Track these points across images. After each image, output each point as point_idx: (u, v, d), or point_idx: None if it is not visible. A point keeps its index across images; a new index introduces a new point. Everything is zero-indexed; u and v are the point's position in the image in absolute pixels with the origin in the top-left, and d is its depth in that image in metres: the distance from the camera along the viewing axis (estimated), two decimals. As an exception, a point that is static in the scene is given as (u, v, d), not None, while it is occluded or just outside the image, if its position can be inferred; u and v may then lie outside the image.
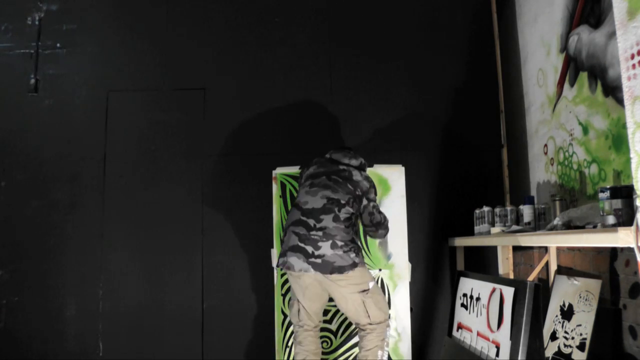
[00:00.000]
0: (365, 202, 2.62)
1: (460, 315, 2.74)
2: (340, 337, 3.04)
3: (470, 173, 3.25)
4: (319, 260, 2.39)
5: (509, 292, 2.21)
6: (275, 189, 3.14)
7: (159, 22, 3.42)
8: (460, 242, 3.03)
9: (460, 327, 2.71)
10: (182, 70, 3.38)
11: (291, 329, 3.04)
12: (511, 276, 3.05)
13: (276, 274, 3.08)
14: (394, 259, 3.06)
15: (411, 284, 3.07)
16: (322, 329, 3.04)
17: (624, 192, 1.60)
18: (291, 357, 3.01)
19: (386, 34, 3.38)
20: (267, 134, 3.31)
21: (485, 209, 2.79)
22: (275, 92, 3.34)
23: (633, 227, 1.41)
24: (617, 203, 1.60)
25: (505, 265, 3.08)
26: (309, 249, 2.41)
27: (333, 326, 3.04)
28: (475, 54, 3.35)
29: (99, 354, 3.13)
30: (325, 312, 3.06)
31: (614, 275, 2.17)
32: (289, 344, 3.02)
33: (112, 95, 3.35)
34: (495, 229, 2.64)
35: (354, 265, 2.43)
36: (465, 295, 2.72)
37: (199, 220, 3.23)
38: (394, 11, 3.40)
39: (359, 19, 3.39)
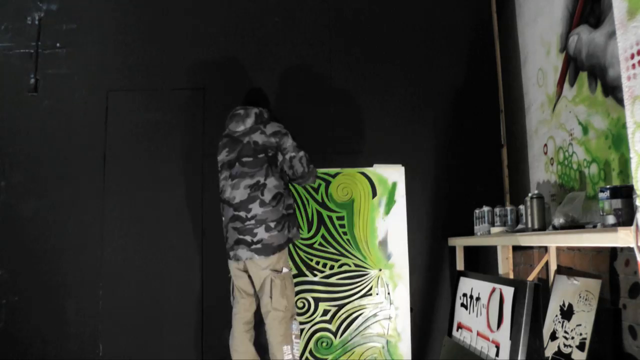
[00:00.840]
0: (280, 157, 2.73)
1: (460, 315, 2.74)
2: (340, 337, 3.04)
3: (470, 173, 3.25)
4: (259, 246, 2.60)
5: (508, 291, 2.21)
6: None
7: (159, 22, 3.42)
8: (460, 242, 3.03)
9: (460, 327, 2.71)
10: (182, 70, 3.38)
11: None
12: (511, 276, 3.05)
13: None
14: (393, 259, 3.06)
15: (411, 284, 3.08)
16: (322, 330, 3.03)
17: (623, 192, 1.60)
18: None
19: (386, 34, 3.38)
20: (267, 134, 3.30)
21: (485, 209, 2.79)
22: (275, 92, 3.34)
23: (633, 227, 1.41)
24: (617, 203, 1.60)
25: (505, 265, 3.07)
26: (248, 238, 2.61)
27: (332, 326, 3.04)
28: (475, 54, 3.35)
29: (99, 354, 3.13)
30: (325, 312, 3.06)
31: (614, 275, 2.17)
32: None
33: (112, 95, 3.35)
34: (495, 229, 2.64)
35: (288, 241, 2.68)
36: (465, 295, 2.72)
37: (199, 220, 3.23)
38: (394, 11, 3.39)
39: (359, 19, 3.39)
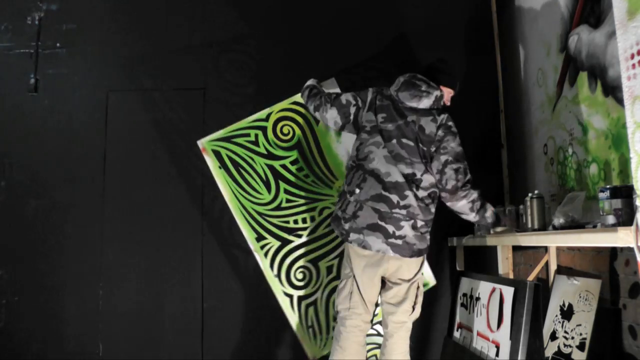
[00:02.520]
0: (440, 158, 2.28)
1: (460, 315, 2.74)
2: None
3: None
4: (399, 242, 2.21)
5: (508, 291, 2.21)
6: (211, 161, 2.92)
7: (159, 22, 3.42)
8: (460, 242, 3.03)
9: (460, 327, 2.71)
10: (182, 70, 3.38)
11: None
12: (511, 276, 3.05)
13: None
14: None
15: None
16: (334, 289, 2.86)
17: (623, 192, 1.60)
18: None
19: (386, 33, 3.38)
20: (267, 134, 3.31)
21: (485, 208, 2.78)
22: (275, 92, 3.33)
23: (633, 227, 1.41)
24: (617, 203, 1.60)
25: (505, 265, 3.07)
26: (390, 228, 2.21)
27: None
28: (476, 54, 3.35)
29: (99, 354, 3.12)
30: (329, 270, 2.88)
31: (614, 275, 2.17)
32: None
33: (112, 95, 3.35)
34: (496, 229, 2.63)
35: (426, 250, 2.34)
36: (465, 295, 2.72)
37: (199, 220, 3.23)
38: (393, 11, 3.39)
39: (358, 19, 3.39)
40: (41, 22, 3.42)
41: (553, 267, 2.62)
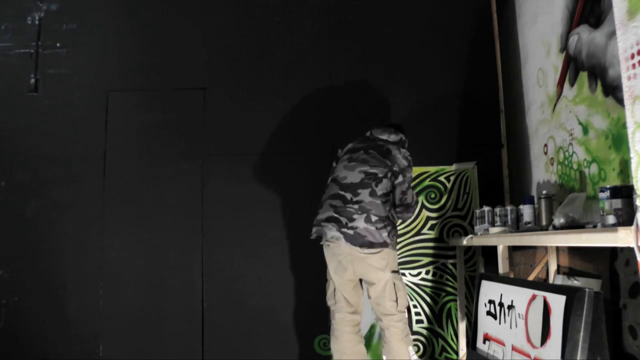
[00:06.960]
0: (400, 179, 2.61)
1: (487, 325, 2.44)
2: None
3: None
4: (350, 232, 2.43)
5: (556, 300, 1.86)
6: None
7: (159, 21, 3.42)
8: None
9: (487, 338, 2.43)
10: (182, 70, 3.38)
11: None
12: (511, 276, 3.05)
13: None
14: None
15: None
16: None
17: (624, 192, 1.59)
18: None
19: (386, 34, 3.38)
20: (266, 134, 3.31)
21: (485, 208, 2.79)
22: (275, 92, 3.34)
23: (633, 227, 1.40)
24: (617, 203, 1.59)
25: (505, 265, 3.07)
26: (343, 220, 2.46)
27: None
28: (475, 54, 3.35)
29: (99, 354, 3.13)
30: None
31: (614, 275, 2.17)
32: None
33: (112, 95, 3.35)
34: (495, 229, 2.63)
35: (384, 244, 2.46)
36: (492, 302, 2.41)
37: (199, 220, 3.23)
38: (393, 11, 3.40)
39: (359, 19, 3.40)
40: (41, 22, 3.42)
41: (553, 267, 2.61)
